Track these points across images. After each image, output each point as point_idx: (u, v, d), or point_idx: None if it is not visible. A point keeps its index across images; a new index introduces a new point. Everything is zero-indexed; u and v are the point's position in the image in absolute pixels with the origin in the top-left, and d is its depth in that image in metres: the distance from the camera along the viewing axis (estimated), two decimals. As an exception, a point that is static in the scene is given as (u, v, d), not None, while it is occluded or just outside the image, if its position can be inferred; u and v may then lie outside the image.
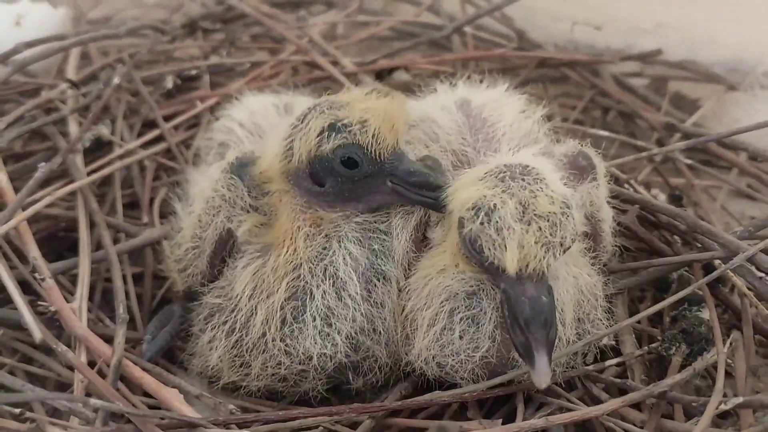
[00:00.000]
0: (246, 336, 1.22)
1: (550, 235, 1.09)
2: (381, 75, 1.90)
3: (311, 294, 1.19)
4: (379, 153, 1.18)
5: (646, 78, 2.04)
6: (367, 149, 1.18)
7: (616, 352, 1.30)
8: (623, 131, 1.91)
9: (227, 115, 1.47)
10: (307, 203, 1.22)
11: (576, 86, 1.98)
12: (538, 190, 1.12)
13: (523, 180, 1.13)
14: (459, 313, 1.18)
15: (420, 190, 1.19)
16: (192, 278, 1.29)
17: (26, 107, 1.60)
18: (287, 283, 1.20)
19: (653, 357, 1.32)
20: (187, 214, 1.33)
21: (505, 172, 1.14)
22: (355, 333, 1.20)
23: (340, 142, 1.17)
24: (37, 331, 1.18)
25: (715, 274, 1.29)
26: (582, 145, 1.34)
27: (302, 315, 1.19)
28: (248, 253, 1.24)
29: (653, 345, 1.32)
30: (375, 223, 1.23)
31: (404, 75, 1.93)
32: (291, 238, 1.21)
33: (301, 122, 1.20)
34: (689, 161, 1.70)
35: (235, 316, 1.22)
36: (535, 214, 1.10)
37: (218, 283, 1.26)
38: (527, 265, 1.09)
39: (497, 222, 1.09)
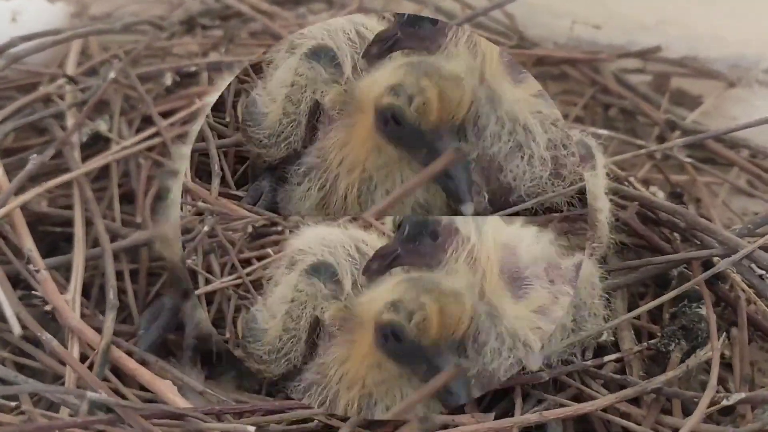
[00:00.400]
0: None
1: None
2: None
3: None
4: None
5: (648, 75, 2.03)
6: None
7: (616, 348, 1.29)
8: (623, 128, 1.90)
9: None
10: None
11: (576, 83, 1.98)
12: None
13: None
14: None
15: None
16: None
17: (23, 101, 1.60)
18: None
19: (653, 353, 1.31)
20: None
21: None
22: None
23: None
24: (17, 326, 1.17)
25: (711, 272, 1.28)
26: (583, 136, 1.33)
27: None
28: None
29: (652, 341, 1.31)
30: None
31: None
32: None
33: None
34: (689, 159, 1.69)
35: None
36: None
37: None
38: None
39: None
